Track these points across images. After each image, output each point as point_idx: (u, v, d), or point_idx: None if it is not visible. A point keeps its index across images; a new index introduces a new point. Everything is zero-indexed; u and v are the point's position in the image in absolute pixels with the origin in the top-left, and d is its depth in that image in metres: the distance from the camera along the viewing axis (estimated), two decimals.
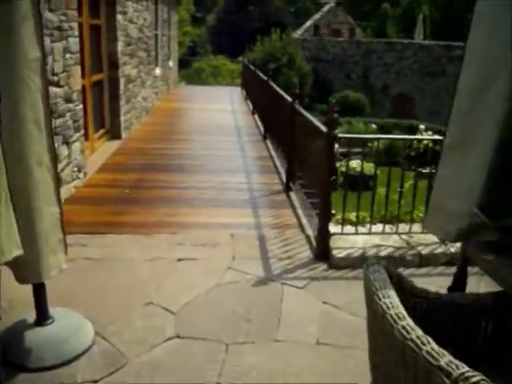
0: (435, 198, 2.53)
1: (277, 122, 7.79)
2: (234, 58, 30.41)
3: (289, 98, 6.41)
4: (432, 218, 2.61)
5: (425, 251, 4.36)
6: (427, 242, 4.52)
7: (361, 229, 4.54)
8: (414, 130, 20.46)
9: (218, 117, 11.66)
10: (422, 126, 20.27)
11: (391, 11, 45.30)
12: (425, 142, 19.97)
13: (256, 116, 11.45)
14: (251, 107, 12.72)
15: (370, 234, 4.49)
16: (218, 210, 5.41)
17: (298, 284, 3.79)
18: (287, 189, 6.17)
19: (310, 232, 4.72)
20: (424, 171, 19.65)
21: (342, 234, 4.42)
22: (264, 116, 9.78)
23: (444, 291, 2.43)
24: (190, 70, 31.10)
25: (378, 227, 4.61)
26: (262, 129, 9.73)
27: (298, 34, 28.46)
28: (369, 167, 16.97)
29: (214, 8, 47.57)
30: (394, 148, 20.06)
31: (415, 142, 20.03)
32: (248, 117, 11.85)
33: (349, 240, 4.44)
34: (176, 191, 6.01)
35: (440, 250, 4.41)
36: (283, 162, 6.84)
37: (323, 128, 4.26)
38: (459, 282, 2.56)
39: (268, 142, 8.84)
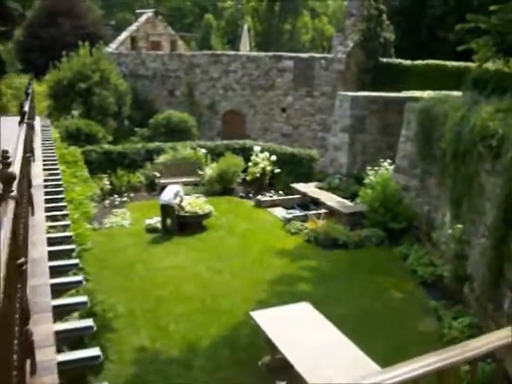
0: None
1: None
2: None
3: None
4: None
5: None
6: None
7: None
8: (247, 151, 18.40)
9: None
10: (256, 148, 18.22)
11: (215, 23, 43.78)
12: (261, 165, 18.13)
13: None
14: None
15: None
16: None
17: None
18: None
19: None
20: (264, 199, 16.97)
21: None
22: None
23: None
24: None
25: None
26: None
27: (112, 47, 25.18)
28: (199, 204, 14.41)
29: (22, 21, 42.06)
30: (228, 173, 17.84)
31: (250, 165, 18.12)
32: None
33: None
34: None
35: None
36: None
37: None
38: None
39: None
